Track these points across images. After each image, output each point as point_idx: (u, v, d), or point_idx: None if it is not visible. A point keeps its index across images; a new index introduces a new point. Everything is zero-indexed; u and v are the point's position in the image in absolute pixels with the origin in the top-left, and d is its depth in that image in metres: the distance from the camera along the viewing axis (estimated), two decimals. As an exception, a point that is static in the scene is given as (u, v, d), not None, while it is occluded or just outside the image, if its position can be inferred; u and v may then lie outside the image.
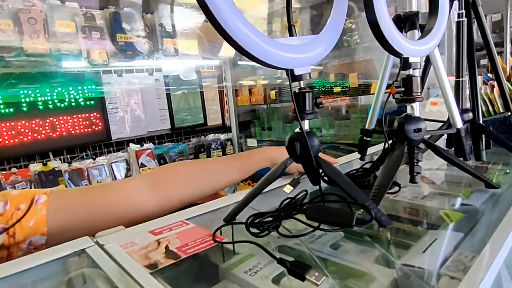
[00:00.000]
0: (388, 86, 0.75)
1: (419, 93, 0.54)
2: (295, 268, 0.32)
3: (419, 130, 0.53)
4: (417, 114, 0.55)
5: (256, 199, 0.50)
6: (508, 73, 1.13)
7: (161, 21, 1.72)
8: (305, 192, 0.48)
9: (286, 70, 0.45)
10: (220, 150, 2.30)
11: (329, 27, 0.48)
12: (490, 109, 1.00)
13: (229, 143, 2.39)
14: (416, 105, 0.54)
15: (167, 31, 1.74)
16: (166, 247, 0.41)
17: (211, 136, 2.31)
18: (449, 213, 0.45)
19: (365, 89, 1.77)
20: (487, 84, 1.04)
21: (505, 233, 0.35)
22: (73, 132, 1.71)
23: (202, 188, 0.63)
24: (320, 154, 0.85)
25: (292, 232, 0.44)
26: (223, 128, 2.52)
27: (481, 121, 0.74)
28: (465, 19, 0.71)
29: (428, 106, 1.13)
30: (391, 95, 0.54)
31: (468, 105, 0.78)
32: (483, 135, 0.72)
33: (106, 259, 0.39)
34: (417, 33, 0.58)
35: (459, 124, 0.66)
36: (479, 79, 1.16)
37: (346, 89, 1.90)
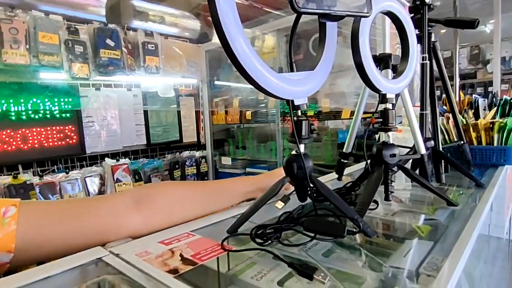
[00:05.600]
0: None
1: (394, 124, 0.63)
2: (304, 269, 0.38)
3: (394, 155, 0.62)
4: (391, 141, 0.65)
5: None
6: (459, 107, 1.30)
7: (144, 38, 1.76)
8: (301, 207, 0.54)
9: (287, 100, 0.52)
10: (195, 167, 2.32)
11: (321, 65, 0.56)
12: (446, 137, 1.14)
13: (203, 160, 2.42)
14: (391, 134, 0.64)
15: (150, 49, 1.78)
16: (181, 255, 0.46)
17: (186, 153, 2.33)
18: (420, 226, 0.54)
19: (336, 114, 1.91)
20: (443, 116, 1.19)
21: (465, 242, 0.44)
22: (45, 144, 1.67)
23: (185, 209, 0.60)
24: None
25: (290, 242, 0.50)
26: (198, 145, 2.56)
27: (441, 148, 0.86)
28: (428, 62, 0.83)
29: (394, 132, 1.25)
30: (371, 125, 0.63)
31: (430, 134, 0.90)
32: (443, 161, 0.83)
33: (127, 267, 0.43)
34: (390, 72, 0.69)
35: (423, 150, 0.77)
36: (437, 110, 1.32)
37: (317, 112, 2.04)
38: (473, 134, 1.10)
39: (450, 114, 1.08)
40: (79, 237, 0.48)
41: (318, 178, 1.04)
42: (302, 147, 0.55)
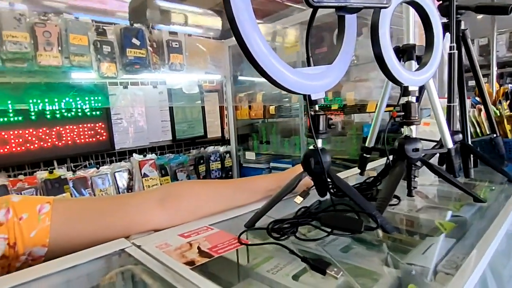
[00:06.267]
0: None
1: (416, 117, 0.61)
2: (317, 264, 0.38)
3: (417, 149, 0.60)
4: (414, 135, 0.63)
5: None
6: (494, 97, 1.23)
7: (168, 37, 1.80)
8: (318, 202, 0.54)
9: (304, 95, 0.52)
10: (219, 162, 2.36)
11: (340, 59, 0.55)
12: (478, 130, 1.08)
13: (228, 155, 2.44)
14: (414, 127, 0.62)
15: (174, 47, 1.82)
16: (199, 248, 0.47)
17: (210, 148, 2.36)
18: (443, 223, 0.52)
19: (361, 107, 1.86)
20: (475, 107, 1.13)
21: (490, 239, 0.42)
22: (78, 141, 1.76)
23: (210, 207, 0.62)
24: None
25: (308, 237, 0.50)
26: (222, 140, 2.59)
27: (470, 142, 0.82)
28: (456, 51, 0.79)
29: (421, 126, 1.21)
30: (392, 118, 0.62)
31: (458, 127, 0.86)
32: (472, 155, 0.80)
33: (148, 258, 0.45)
34: (413, 63, 0.66)
35: (450, 144, 0.74)
36: (468, 102, 1.25)
37: (342, 106, 2.00)
38: (508, 127, 1.04)
39: (482, 105, 1.03)
40: (106, 232, 0.51)
41: (342, 173, 1.03)
42: (319, 142, 0.55)
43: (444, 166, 0.79)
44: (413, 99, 0.62)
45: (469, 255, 0.39)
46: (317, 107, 0.54)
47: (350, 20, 0.55)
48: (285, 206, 0.62)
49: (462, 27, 0.90)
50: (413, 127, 0.62)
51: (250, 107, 2.51)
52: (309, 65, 0.54)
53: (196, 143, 2.41)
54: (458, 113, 0.86)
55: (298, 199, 0.58)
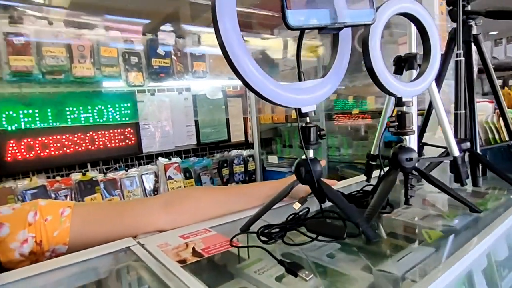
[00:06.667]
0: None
1: (411, 127, 0.62)
2: (291, 267, 0.41)
3: (411, 159, 0.61)
4: (411, 145, 0.64)
5: (267, 214, 0.59)
6: (520, 101, 1.18)
7: (192, 45, 1.89)
8: (307, 209, 0.57)
9: (295, 108, 0.55)
10: (243, 165, 2.41)
11: (332, 72, 0.58)
12: (496, 136, 1.05)
13: (251, 159, 2.49)
14: (408, 137, 0.63)
15: (197, 55, 1.90)
16: (193, 248, 0.52)
17: (234, 152, 2.43)
18: (430, 232, 0.53)
19: (381, 112, 1.83)
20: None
21: (465, 251, 0.43)
22: (109, 145, 1.89)
23: (210, 211, 0.67)
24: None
25: (295, 242, 0.54)
26: (246, 144, 2.64)
27: (478, 150, 0.81)
28: (463, 58, 0.79)
29: (438, 131, 1.19)
30: (387, 129, 0.63)
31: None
32: (480, 163, 0.78)
33: (147, 255, 0.50)
34: (415, 73, 0.67)
35: (456, 152, 0.74)
36: (491, 106, 1.21)
37: (365, 109, 1.98)
38: (528, 133, 0.99)
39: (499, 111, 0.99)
40: (118, 233, 0.58)
41: (349, 180, 1.04)
42: (310, 152, 0.57)
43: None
44: (409, 109, 0.63)
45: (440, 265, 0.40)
46: (308, 119, 0.57)
47: (344, 34, 0.58)
48: (284, 212, 0.65)
49: (474, 32, 0.88)
50: (407, 137, 0.63)
51: (273, 111, 2.55)
52: (300, 79, 0.57)
53: (220, 147, 2.49)
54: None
55: (296, 205, 0.61)
